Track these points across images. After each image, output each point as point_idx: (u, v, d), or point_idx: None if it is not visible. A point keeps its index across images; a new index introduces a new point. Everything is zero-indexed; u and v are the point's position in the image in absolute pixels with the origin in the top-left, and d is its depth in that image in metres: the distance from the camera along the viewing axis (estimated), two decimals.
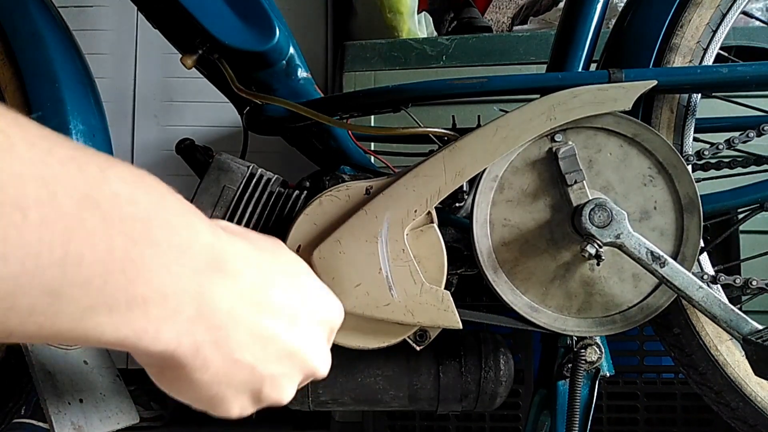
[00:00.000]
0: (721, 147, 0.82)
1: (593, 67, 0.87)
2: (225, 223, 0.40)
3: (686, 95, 0.83)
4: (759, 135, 0.82)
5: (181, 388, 0.36)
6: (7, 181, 0.25)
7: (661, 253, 0.73)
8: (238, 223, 0.76)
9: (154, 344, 0.32)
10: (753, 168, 0.87)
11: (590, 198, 0.74)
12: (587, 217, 0.73)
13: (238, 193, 0.76)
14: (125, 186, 0.31)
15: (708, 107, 0.89)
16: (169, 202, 0.33)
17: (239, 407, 0.39)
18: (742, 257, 1.24)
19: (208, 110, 1.91)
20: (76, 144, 0.30)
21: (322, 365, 0.42)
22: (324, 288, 0.44)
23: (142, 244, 0.31)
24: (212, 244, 0.35)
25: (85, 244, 0.28)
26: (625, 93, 0.74)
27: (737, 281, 0.82)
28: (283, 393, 0.40)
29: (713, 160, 0.86)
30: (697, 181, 0.78)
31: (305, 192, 0.79)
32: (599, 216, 0.73)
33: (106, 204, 0.29)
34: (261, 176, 0.78)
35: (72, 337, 0.30)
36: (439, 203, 0.74)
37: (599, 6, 0.85)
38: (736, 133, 0.82)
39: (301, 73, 0.84)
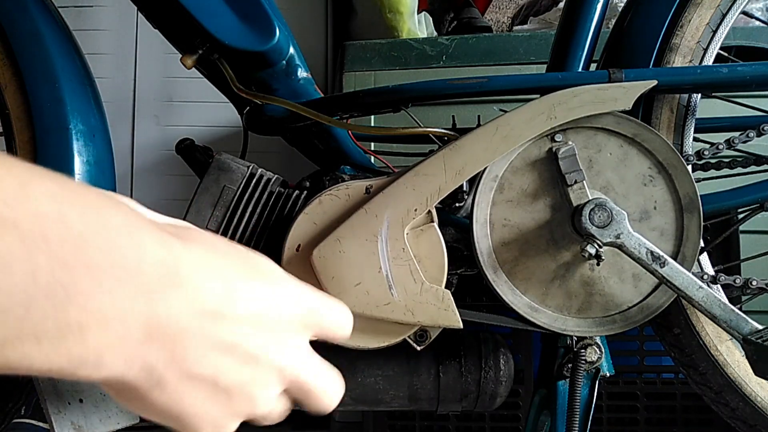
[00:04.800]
0: (721, 147, 0.82)
1: (593, 67, 0.88)
2: (180, 228, 0.37)
3: (686, 95, 0.83)
4: (759, 135, 0.82)
5: (141, 408, 0.34)
6: None
7: (661, 253, 0.73)
8: (238, 222, 0.76)
9: (97, 372, 0.30)
10: (753, 168, 0.88)
11: (590, 198, 0.74)
12: (587, 217, 0.73)
13: (238, 193, 0.76)
14: (52, 203, 0.27)
15: (708, 107, 0.89)
16: (110, 217, 0.30)
17: (210, 425, 0.36)
18: (742, 257, 1.24)
19: (208, 110, 1.92)
20: None
21: (295, 365, 0.38)
22: (293, 282, 0.40)
23: (74, 266, 0.27)
24: (163, 260, 0.32)
25: None
26: (625, 93, 0.74)
27: (737, 281, 0.82)
28: (257, 403, 0.37)
29: (713, 160, 0.86)
30: (697, 181, 0.78)
31: (305, 192, 0.79)
32: (599, 216, 0.73)
33: (27, 224, 0.26)
34: (261, 176, 0.78)
35: None
36: (439, 203, 0.74)
37: (599, 6, 0.85)
38: (736, 133, 0.82)
39: (301, 73, 0.84)
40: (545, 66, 0.90)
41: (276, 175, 0.79)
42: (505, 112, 0.75)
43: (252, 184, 0.77)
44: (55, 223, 0.27)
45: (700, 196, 0.76)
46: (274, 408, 0.39)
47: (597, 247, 0.73)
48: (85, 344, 0.29)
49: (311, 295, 0.41)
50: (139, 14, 0.84)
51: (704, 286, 0.74)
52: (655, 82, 0.76)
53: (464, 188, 0.79)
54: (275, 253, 0.73)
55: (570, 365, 0.81)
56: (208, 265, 0.35)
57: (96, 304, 0.28)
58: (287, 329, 0.38)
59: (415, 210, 0.73)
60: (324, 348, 0.42)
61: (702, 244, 0.77)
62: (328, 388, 0.41)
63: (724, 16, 0.83)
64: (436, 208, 0.75)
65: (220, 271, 0.35)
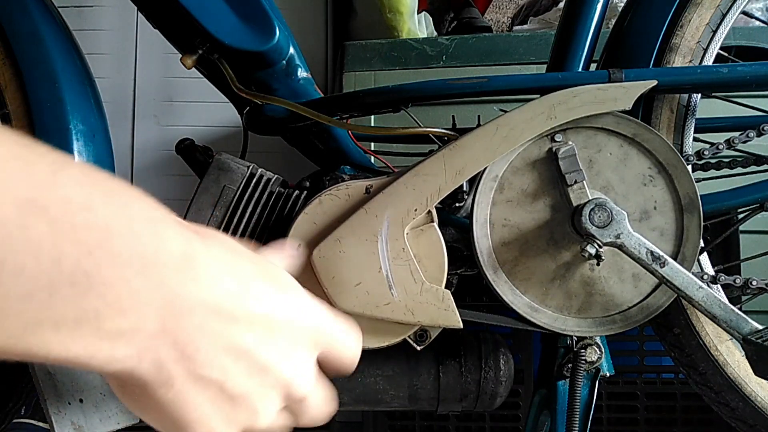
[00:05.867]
0: (721, 147, 0.82)
1: (593, 67, 0.88)
2: (200, 227, 0.37)
3: (686, 95, 0.83)
4: (759, 135, 0.82)
5: (144, 406, 0.34)
6: None
7: (661, 253, 0.73)
8: (238, 222, 0.76)
9: (109, 363, 0.30)
10: (753, 168, 0.87)
11: (590, 198, 0.74)
12: (587, 217, 0.73)
13: (238, 193, 0.76)
14: (80, 190, 0.28)
15: (708, 107, 0.89)
16: (134, 208, 0.30)
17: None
18: (742, 257, 1.24)
19: (208, 110, 1.92)
20: (24, 141, 0.27)
21: (302, 382, 0.38)
22: (307, 297, 0.40)
23: (98, 254, 0.28)
24: (183, 252, 0.32)
25: (27, 254, 0.25)
26: (625, 93, 0.74)
27: (737, 281, 0.82)
28: (258, 416, 0.36)
29: (713, 160, 0.86)
30: (697, 181, 0.78)
31: (305, 192, 0.79)
32: (599, 216, 0.73)
33: (56, 210, 0.26)
34: (261, 176, 0.78)
35: (13, 353, 0.27)
36: (439, 203, 0.74)
37: (599, 6, 0.85)
38: (736, 133, 0.82)
39: (301, 73, 0.84)
40: (545, 66, 0.90)
41: (276, 175, 0.79)
42: (505, 112, 0.75)
43: (252, 184, 0.77)
44: (82, 210, 0.27)
45: (700, 196, 0.76)
46: (273, 423, 0.38)
47: (597, 247, 0.73)
48: (101, 333, 0.29)
49: (324, 311, 0.40)
50: (139, 14, 0.84)
51: (704, 286, 0.74)
52: (655, 82, 0.76)
53: (464, 188, 0.79)
54: None
55: (570, 365, 0.81)
56: (226, 264, 0.34)
57: (114, 293, 0.28)
58: (298, 342, 0.38)
59: (415, 210, 0.73)
60: None
61: (702, 244, 0.77)
62: (321, 409, 0.41)
63: (724, 16, 0.83)
64: (436, 208, 0.75)
65: (237, 272, 0.35)
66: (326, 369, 0.41)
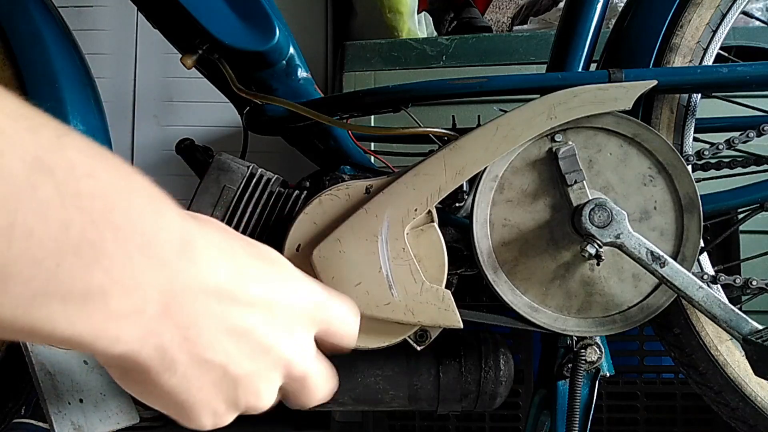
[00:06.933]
0: (721, 147, 0.82)
1: (593, 67, 0.88)
2: (195, 213, 0.37)
3: (686, 95, 0.83)
4: (759, 135, 0.82)
5: (147, 391, 0.33)
6: None
7: (661, 253, 0.73)
8: (238, 222, 0.76)
9: (114, 345, 0.29)
10: (753, 168, 0.87)
11: (590, 198, 0.74)
12: (587, 217, 0.73)
13: (238, 193, 0.76)
14: (84, 157, 0.27)
15: (708, 107, 0.89)
16: (135, 183, 0.30)
17: (212, 415, 0.35)
18: (742, 257, 1.24)
19: (208, 110, 1.92)
20: (27, 104, 0.26)
21: (302, 360, 0.38)
22: (304, 276, 0.40)
23: (102, 226, 0.27)
24: (182, 234, 0.32)
25: (36, 216, 0.24)
26: (626, 93, 0.74)
27: (737, 281, 0.82)
28: (260, 396, 0.37)
29: (713, 160, 0.86)
30: (697, 181, 0.78)
31: (305, 192, 0.79)
32: (599, 216, 0.73)
33: (61, 173, 0.25)
34: (261, 176, 0.78)
35: (19, 327, 0.26)
36: (439, 203, 0.74)
37: (599, 6, 0.85)
38: (736, 133, 0.82)
39: (301, 73, 0.84)
40: (545, 66, 0.90)
41: (276, 175, 0.79)
42: (505, 112, 0.75)
43: (252, 184, 0.77)
44: (87, 177, 0.27)
45: (700, 196, 0.76)
46: (271, 401, 0.39)
47: (597, 247, 0.73)
48: (107, 311, 0.28)
49: (321, 289, 0.41)
50: (139, 14, 0.84)
51: (704, 286, 0.74)
52: (655, 82, 0.76)
53: (464, 188, 0.79)
54: None
55: (570, 365, 0.81)
56: (223, 247, 0.35)
57: (118, 269, 0.28)
58: (297, 321, 0.38)
59: (416, 210, 0.73)
60: None
61: (702, 244, 0.77)
62: (322, 387, 0.41)
63: (724, 16, 0.83)
64: (436, 208, 0.75)
65: (234, 254, 0.35)
66: (325, 346, 0.41)
